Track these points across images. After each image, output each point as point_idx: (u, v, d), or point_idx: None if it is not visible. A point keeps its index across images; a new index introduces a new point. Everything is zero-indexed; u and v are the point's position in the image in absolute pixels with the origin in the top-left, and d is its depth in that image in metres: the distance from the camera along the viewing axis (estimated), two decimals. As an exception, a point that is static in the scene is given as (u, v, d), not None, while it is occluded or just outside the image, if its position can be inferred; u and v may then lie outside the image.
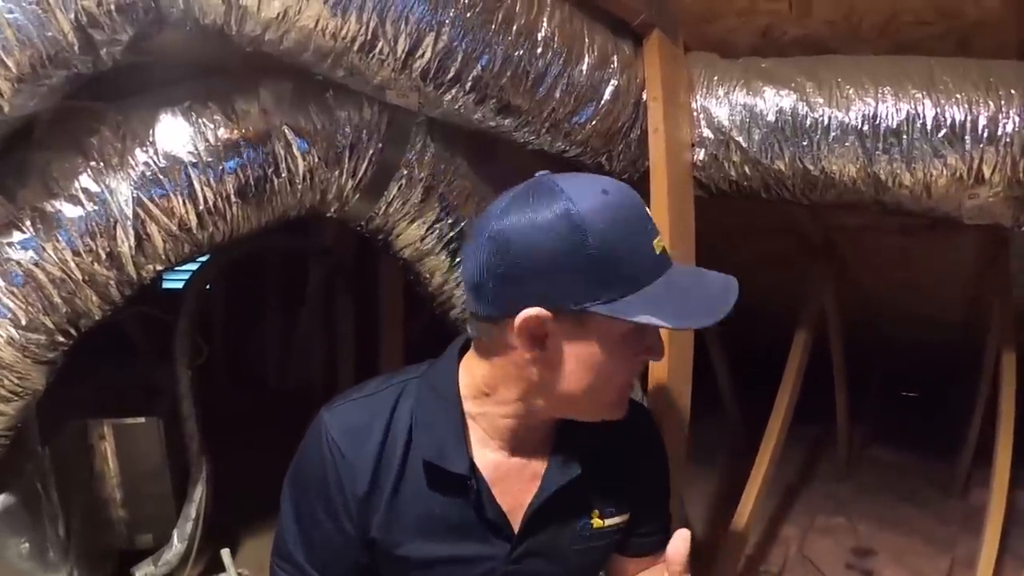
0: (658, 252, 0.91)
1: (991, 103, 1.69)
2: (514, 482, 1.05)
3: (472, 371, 1.04)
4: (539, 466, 1.06)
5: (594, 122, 1.78)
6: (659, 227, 1.74)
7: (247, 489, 2.65)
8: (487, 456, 1.04)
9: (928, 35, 1.91)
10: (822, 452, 3.97)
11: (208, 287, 3.27)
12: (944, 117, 1.72)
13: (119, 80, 1.48)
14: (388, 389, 1.08)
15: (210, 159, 1.49)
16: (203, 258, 2.80)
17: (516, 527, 1.05)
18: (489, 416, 1.03)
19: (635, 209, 0.93)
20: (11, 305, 1.37)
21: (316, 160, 1.58)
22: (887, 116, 1.76)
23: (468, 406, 1.04)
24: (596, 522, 1.10)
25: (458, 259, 1.80)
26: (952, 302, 3.44)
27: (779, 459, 2.76)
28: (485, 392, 1.02)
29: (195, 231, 1.51)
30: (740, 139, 1.88)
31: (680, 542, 0.96)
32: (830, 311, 3.27)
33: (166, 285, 4.68)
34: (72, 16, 1.22)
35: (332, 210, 1.70)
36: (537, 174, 0.97)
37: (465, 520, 1.03)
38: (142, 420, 2.40)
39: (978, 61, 1.78)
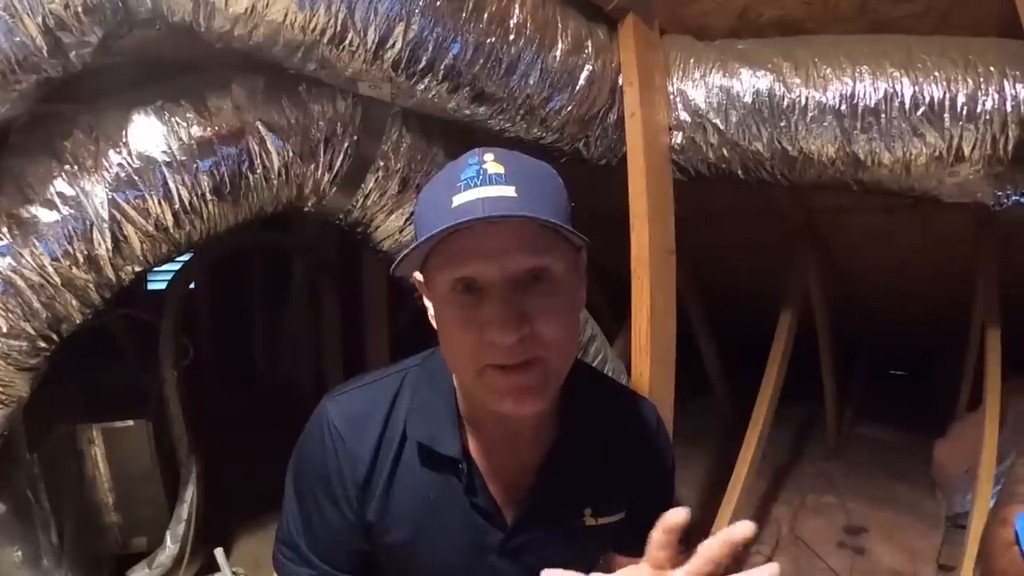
0: (454, 205, 0.84)
1: (970, 80, 1.69)
2: (510, 474, 1.05)
3: None
4: (536, 460, 1.05)
5: (570, 108, 1.78)
6: (637, 211, 1.77)
7: (239, 487, 2.65)
8: (481, 445, 1.04)
9: (907, 13, 1.91)
10: (811, 432, 4.00)
11: (192, 287, 3.26)
12: (923, 95, 1.72)
13: (90, 82, 1.47)
14: (389, 378, 1.08)
15: (184, 158, 1.48)
16: (185, 258, 2.79)
17: (509, 520, 1.04)
18: (462, 400, 1.04)
19: (455, 168, 0.89)
20: (-10, 312, 1.36)
21: (291, 155, 1.58)
22: (865, 95, 1.76)
23: (459, 393, 1.04)
24: (589, 520, 1.08)
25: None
26: (936, 280, 3.45)
27: (768, 440, 2.77)
28: None
29: (172, 230, 1.51)
30: (717, 121, 1.88)
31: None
32: (814, 292, 3.29)
33: (151, 287, 4.68)
34: (39, 20, 1.21)
35: (309, 204, 1.70)
36: None
37: (458, 507, 1.03)
38: (131, 423, 2.40)
39: (957, 38, 1.78)
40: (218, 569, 2.30)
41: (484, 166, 0.87)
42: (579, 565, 1.14)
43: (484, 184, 0.84)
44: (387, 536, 1.03)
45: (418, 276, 0.95)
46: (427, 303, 0.97)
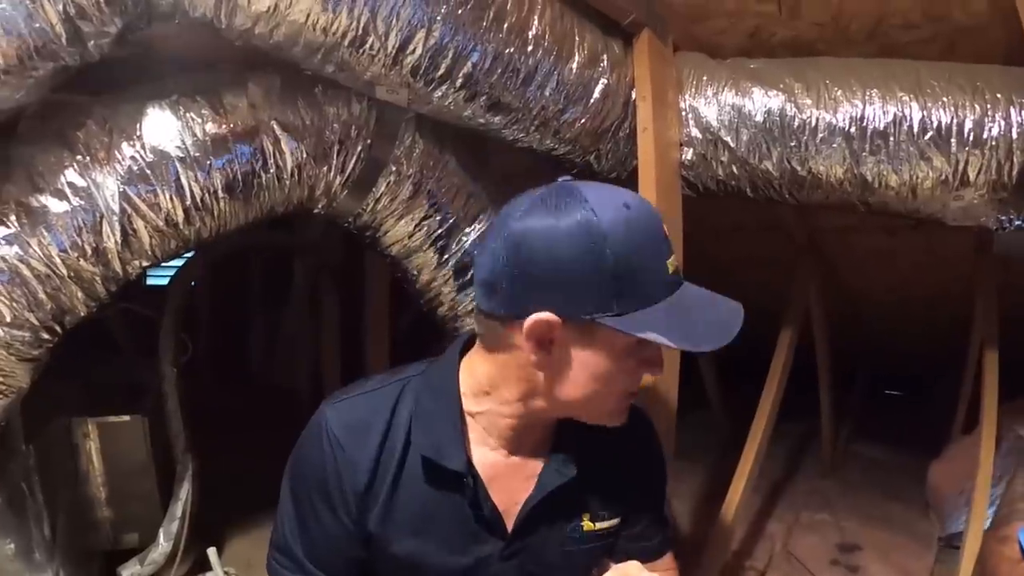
0: (671, 271, 0.93)
1: (977, 106, 1.71)
2: (510, 480, 1.05)
3: (474, 369, 1.04)
4: (536, 466, 1.06)
5: (583, 120, 1.79)
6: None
7: (234, 487, 2.64)
8: (485, 454, 1.04)
9: (916, 38, 1.92)
10: (807, 449, 4.00)
11: (193, 284, 3.25)
12: (931, 120, 1.74)
13: (106, 74, 1.47)
14: (390, 386, 1.08)
15: (198, 154, 1.48)
16: (188, 254, 2.78)
17: (510, 525, 1.05)
18: (488, 415, 1.03)
19: (653, 226, 0.93)
20: (-5, 301, 1.35)
21: (304, 156, 1.58)
22: (874, 118, 1.78)
23: (467, 404, 1.04)
24: (587, 524, 1.10)
25: (446, 256, 1.81)
26: (936, 301, 3.47)
27: (764, 456, 2.77)
28: (486, 391, 1.02)
29: (182, 226, 1.50)
30: (728, 139, 1.89)
31: None
32: (815, 310, 3.30)
33: (151, 282, 4.66)
34: (60, 7, 1.20)
35: (320, 206, 1.69)
36: (560, 179, 0.96)
37: (461, 517, 1.03)
38: (127, 418, 2.38)
39: (965, 65, 1.80)
40: (210, 568, 2.28)
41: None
42: (577, 570, 1.15)
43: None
44: (391, 546, 1.03)
45: (551, 318, 0.90)
46: (557, 348, 0.94)
